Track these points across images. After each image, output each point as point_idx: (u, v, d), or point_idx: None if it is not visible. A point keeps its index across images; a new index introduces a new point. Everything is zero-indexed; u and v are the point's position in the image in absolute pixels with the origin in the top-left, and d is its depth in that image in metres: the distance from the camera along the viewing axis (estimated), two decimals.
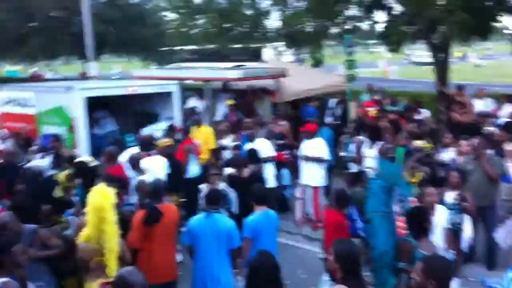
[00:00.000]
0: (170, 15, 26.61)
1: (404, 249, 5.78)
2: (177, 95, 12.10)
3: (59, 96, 10.97)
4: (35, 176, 8.17)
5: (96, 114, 11.75)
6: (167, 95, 11.96)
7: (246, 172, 8.95)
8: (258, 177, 9.00)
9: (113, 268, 5.35)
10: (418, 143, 9.61)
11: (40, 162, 9.12)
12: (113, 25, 26.51)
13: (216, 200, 6.51)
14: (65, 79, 28.29)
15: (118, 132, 12.00)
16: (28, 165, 8.92)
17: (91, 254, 5.34)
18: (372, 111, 12.94)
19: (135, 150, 9.36)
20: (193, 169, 10.34)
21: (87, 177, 7.56)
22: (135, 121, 12.19)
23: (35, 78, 30.24)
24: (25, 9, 25.78)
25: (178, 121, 11.91)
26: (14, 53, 29.27)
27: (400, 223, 7.04)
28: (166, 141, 9.68)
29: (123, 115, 12.76)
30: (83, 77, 24.56)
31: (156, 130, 11.29)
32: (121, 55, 31.94)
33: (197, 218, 6.48)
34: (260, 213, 6.58)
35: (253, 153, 9.85)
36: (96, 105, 11.68)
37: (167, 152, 9.46)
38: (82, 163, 8.32)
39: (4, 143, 10.95)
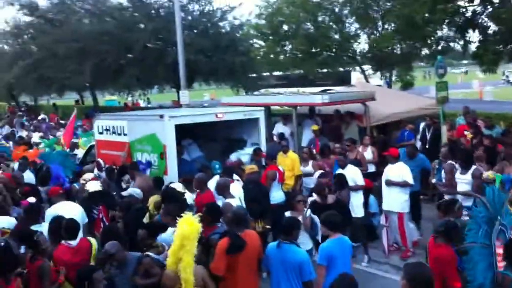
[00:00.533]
0: (259, 42, 27.12)
1: (503, 283, 5.40)
2: (263, 121, 12.16)
3: (150, 124, 11.39)
4: (129, 204, 8.47)
5: (183, 142, 12.01)
6: (254, 121, 12.04)
7: (331, 198, 8.80)
8: (342, 205, 8.80)
9: None
10: None
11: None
12: (205, 54, 27.42)
13: (288, 230, 6.32)
14: (160, 107, 29.52)
15: (204, 158, 12.21)
16: (124, 193, 9.20)
17: (173, 282, 5.43)
18: (468, 134, 12.38)
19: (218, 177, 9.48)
20: (277, 195, 10.31)
21: (175, 204, 7.67)
22: (223, 147, 12.39)
23: (128, 107, 31.83)
24: (124, 41, 27.27)
25: (263, 147, 11.93)
26: (113, 83, 30.96)
27: (499, 255, 6.56)
28: (252, 167, 9.72)
29: (211, 141, 13.04)
30: (176, 105, 25.47)
31: (243, 155, 11.42)
32: (211, 83, 32.89)
33: (270, 247, 6.41)
34: (334, 240, 6.42)
35: (341, 179, 9.67)
36: (185, 132, 12.06)
37: (252, 178, 9.48)
38: (172, 189, 8.50)
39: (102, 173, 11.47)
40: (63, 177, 10.77)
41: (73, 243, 6.68)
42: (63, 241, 6.69)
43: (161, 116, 10.99)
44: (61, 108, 37.41)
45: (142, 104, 39.84)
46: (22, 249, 6.50)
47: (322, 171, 10.72)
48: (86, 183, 9.33)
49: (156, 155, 11.05)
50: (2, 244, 6.02)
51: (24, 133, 21.39)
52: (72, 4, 32.87)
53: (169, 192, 8.21)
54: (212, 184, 9.09)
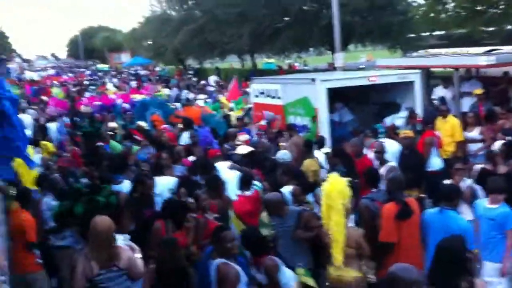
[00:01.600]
0: (418, 0, 25.83)
1: None
2: (419, 85, 11.69)
3: (303, 88, 11.56)
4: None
5: (335, 105, 12.04)
6: (408, 84, 11.64)
7: (502, 168, 7.99)
8: None
9: (338, 259, 5.58)
10: None
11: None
12: (360, 14, 26.81)
13: (450, 196, 6.05)
14: (315, 70, 29.64)
15: (356, 121, 12.13)
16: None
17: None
18: None
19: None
20: (435, 163, 9.88)
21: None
22: (376, 111, 12.20)
23: (282, 71, 32.40)
24: (280, 5, 27.64)
25: (419, 111, 11.52)
26: (270, 46, 31.66)
27: None
28: (407, 132, 9.48)
29: (364, 104, 12.90)
30: (331, 68, 25.41)
31: (397, 119, 11.15)
32: (367, 44, 32.17)
33: (430, 213, 6.20)
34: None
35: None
36: (337, 96, 12.08)
37: (407, 143, 9.27)
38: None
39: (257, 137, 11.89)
40: (211, 138, 11.33)
41: (248, 193, 7.29)
42: (239, 192, 7.30)
43: (313, 80, 11.10)
44: (223, 71, 39.21)
45: (298, 67, 40.26)
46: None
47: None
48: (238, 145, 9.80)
49: (308, 118, 11.24)
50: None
51: (190, 95, 22.81)
52: None
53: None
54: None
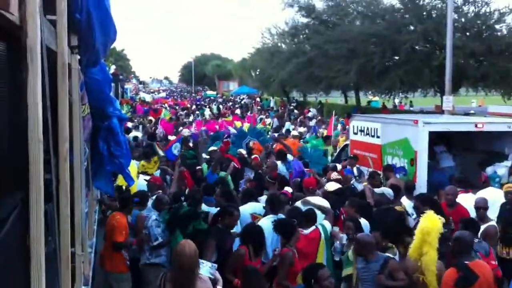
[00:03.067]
0: None
1: None
2: None
3: (404, 129, 11.15)
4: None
5: (435, 148, 11.50)
6: None
7: None
8: None
9: (433, 285, 5.67)
10: None
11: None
12: (475, 58, 25.77)
13: None
14: (422, 111, 28.70)
15: (454, 168, 11.53)
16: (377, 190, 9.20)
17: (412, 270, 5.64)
18: None
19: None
20: None
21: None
22: (480, 159, 11.49)
23: (386, 110, 31.68)
24: (391, 43, 27.25)
25: None
26: (376, 84, 31.23)
27: None
28: (509, 185, 8.77)
29: (468, 151, 12.21)
30: (438, 110, 24.51)
31: (499, 168, 10.50)
32: (479, 89, 30.75)
33: None
34: None
35: None
36: (440, 140, 11.54)
37: (510, 198, 8.55)
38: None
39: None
40: (304, 171, 11.18)
41: (306, 231, 7.02)
42: (299, 229, 7.00)
43: (415, 122, 10.69)
44: (326, 106, 39.15)
45: (405, 107, 39.31)
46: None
47: None
48: (327, 182, 9.57)
49: (406, 161, 10.82)
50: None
51: (291, 127, 22.90)
52: (346, 6, 34.18)
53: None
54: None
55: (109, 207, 8.88)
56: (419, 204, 7.58)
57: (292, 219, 6.92)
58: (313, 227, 7.11)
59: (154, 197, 8.32)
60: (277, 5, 41.29)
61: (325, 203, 7.87)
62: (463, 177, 10.13)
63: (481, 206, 7.71)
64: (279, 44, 43.24)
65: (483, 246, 6.55)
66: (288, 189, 8.84)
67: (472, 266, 5.54)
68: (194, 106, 39.34)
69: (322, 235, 7.10)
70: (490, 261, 6.27)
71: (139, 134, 18.88)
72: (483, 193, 8.59)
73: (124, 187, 9.23)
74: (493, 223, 7.62)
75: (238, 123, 21.06)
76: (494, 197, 8.40)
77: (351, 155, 12.58)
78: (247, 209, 7.89)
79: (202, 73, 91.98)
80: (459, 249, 5.77)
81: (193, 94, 62.76)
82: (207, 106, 39.02)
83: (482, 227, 7.31)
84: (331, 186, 8.85)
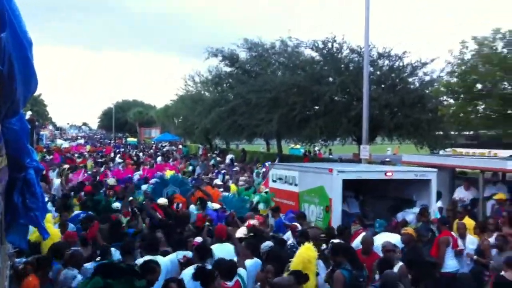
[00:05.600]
0: (448, 100, 25.95)
1: None
2: (435, 183, 11.64)
3: (320, 177, 11.57)
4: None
5: (345, 194, 11.87)
6: (425, 182, 11.63)
7: None
8: None
9: None
10: None
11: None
12: (390, 109, 27.04)
13: None
14: (340, 159, 29.61)
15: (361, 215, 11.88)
16: None
17: None
18: None
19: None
20: (451, 264, 9.57)
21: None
22: (391, 206, 12.03)
23: (307, 158, 32.50)
24: (312, 93, 28.18)
25: (433, 210, 11.45)
26: (297, 132, 31.99)
27: None
28: (407, 229, 9.30)
29: (380, 198, 12.77)
30: (356, 158, 25.39)
31: (408, 214, 11.08)
32: (394, 138, 32.21)
33: None
34: None
35: None
36: (355, 187, 11.99)
37: (406, 239, 9.03)
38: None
39: None
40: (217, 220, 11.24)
41: (230, 283, 6.97)
42: (221, 281, 6.92)
43: (330, 170, 11.09)
44: (249, 153, 39.54)
45: (323, 154, 40.41)
46: None
47: None
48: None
49: (322, 207, 11.17)
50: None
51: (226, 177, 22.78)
52: (268, 57, 35.17)
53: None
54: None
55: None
56: (333, 253, 7.75)
57: (215, 270, 6.89)
58: (235, 279, 7.10)
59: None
60: (201, 54, 41.69)
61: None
62: (372, 223, 10.54)
63: (390, 249, 8.07)
64: (202, 92, 43.60)
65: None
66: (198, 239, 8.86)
67: None
68: (112, 154, 38.53)
69: (242, 285, 7.13)
70: None
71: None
72: (386, 237, 9.03)
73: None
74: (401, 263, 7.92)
75: (170, 172, 20.64)
76: (394, 241, 8.79)
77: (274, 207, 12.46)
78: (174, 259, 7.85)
79: (123, 120, 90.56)
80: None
81: (112, 142, 61.37)
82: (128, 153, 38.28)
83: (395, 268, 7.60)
84: (240, 232, 8.93)
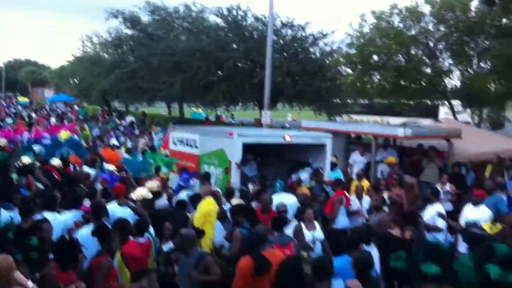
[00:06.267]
0: (347, 70, 26.84)
1: None
2: (330, 147, 12.11)
3: (220, 141, 11.60)
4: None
5: (246, 157, 11.99)
6: (321, 146, 12.05)
7: (408, 234, 8.00)
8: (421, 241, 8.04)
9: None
10: None
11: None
12: (292, 77, 27.51)
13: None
14: (242, 124, 29.88)
15: (258, 178, 12.02)
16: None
17: None
18: None
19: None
20: (343, 221, 10.08)
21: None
22: (289, 168, 12.34)
23: (208, 122, 32.47)
24: (215, 59, 27.99)
25: (327, 172, 11.93)
26: (200, 97, 31.78)
27: None
28: (303, 189, 9.87)
29: (279, 161, 13.08)
30: (258, 123, 25.66)
31: (302, 174, 11.58)
32: (295, 105, 32.90)
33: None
34: None
35: (411, 214, 9.05)
36: (256, 151, 12.20)
37: (302, 199, 9.45)
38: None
39: None
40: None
41: (142, 240, 7.01)
42: (132, 238, 6.96)
43: (230, 134, 11.17)
44: (149, 117, 38.76)
45: (225, 119, 40.49)
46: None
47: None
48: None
49: (222, 169, 11.27)
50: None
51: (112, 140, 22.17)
52: (172, 21, 34.33)
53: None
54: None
55: None
56: (234, 213, 7.98)
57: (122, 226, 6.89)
58: (147, 236, 7.11)
59: None
60: (101, 16, 39.90)
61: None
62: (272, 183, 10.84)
63: (282, 210, 8.37)
64: (101, 54, 41.95)
65: (284, 238, 7.21)
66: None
67: (265, 254, 6.18)
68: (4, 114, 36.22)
69: (152, 242, 7.18)
70: (285, 251, 6.90)
71: None
72: (282, 197, 9.41)
73: None
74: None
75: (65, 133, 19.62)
76: (291, 201, 9.23)
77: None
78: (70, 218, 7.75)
79: (14, 79, 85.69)
80: (256, 240, 6.40)
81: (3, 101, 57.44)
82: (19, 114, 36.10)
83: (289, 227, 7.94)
84: (139, 193, 8.78)
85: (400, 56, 23.21)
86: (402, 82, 22.92)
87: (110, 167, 12.42)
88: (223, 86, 28.28)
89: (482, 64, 21.72)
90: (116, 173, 11.90)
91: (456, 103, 24.65)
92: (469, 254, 5.41)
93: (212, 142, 11.83)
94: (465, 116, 27.05)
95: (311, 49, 29.82)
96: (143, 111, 40.93)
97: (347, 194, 10.52)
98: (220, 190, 9.76)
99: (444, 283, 4.90)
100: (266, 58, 20.59)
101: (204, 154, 11.98)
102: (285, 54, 28.88)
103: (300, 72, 27.67)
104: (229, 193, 9.63)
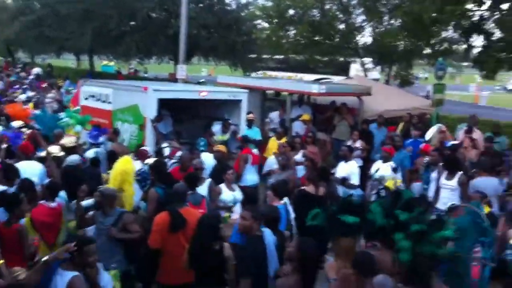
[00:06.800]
0: (263, 24, 26.74)
1: None
2: (245, 103, 12.10)
3: (134, 95, 11.26)
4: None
5: (162, 113, 11.71)
6: (236, 102, 12.03)
7: (322, 190, 8.27)
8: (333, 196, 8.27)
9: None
10: None
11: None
12: (207, 29, 27.02)
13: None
14: (156, 79, 29.20)
15: (173, 134, 11.83)
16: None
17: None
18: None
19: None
20: (250, 178, 10.23)
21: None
22: (204, 124, 12.29)
23: (121, 76, 31.43)
24: (128, 8, 26.88)
25: (242, 128, 11.98)
26: (112, 49, 30.58)
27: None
28: (220, 147, 9.69)
29: (194, 117, 12.99)
30: (172, 78, 25.19)
31: (214, 126, 11.72)
32: (210, 59, 32.57)
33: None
34: None
35: (324, 170, 9.33)
36: (171, 106, 11.97)
37: (217, 157, 9.45)
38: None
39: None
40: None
41: (53, 204, 6.72)
42: (42, 202, 6.69)
43: (145, 89, 10.87)
44: (57, 69, 36.89)
45: (138, 73, 39.40)
46: None
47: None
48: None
49: (136, 126, 11.02)
50: None
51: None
52: None
53: None
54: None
55: None
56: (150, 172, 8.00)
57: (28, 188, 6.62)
58: (58, 200, 6.85)
59: None
60: None
61: None
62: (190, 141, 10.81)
63: (198, 167, 8.36)
64: (3, 0, 39.20)
65: (196, 197, 7.30)
66: None
67: (182, 212, 6.27)
68: None
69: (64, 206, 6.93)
70: (199, 209, 6.99)
71: None
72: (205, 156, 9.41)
73: None
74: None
75: None
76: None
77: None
78: None
79: None
80: (173, 198, 6.50)
81: None
82: None
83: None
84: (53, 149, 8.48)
85: (315, 11, 23.37)
86: (317, 38, 23.17)
87: (17, 123, 11.73)
88: (136, 37, 27.30)
89: (393, 21, 22.29)
90: (23, 130, 11.27)
91: (368, 60, 25.32)
92: (378, 201, 5.77)
93: (126, 97, 11.46)
94: (375, 73, 27.93)
95: (227, 1, 29.39)
96: (49, 63, 38.80)
97: (254, 151, 10.61)
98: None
99: (358, 234, 5.25)
100: (181, 8, 20.06)
101: (117, 110, 11.60)
102: (200, 5, 28.24)
103: (216, 25, 27.21)
104: (141, 154, 9.40)
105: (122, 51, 29.11)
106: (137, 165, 8.47)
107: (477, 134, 12.02)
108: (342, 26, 23.46)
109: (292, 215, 7.14)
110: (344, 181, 9.80)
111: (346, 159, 10.23)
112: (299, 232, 7.00)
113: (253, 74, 28.38)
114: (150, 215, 6.86)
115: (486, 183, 8.90)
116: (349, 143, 11.95)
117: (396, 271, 4.84)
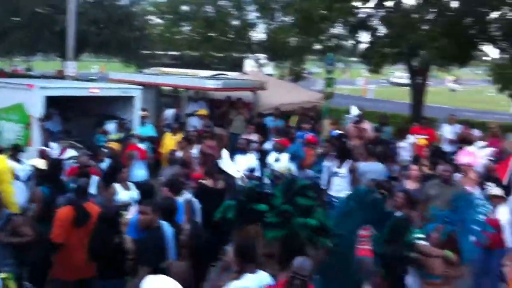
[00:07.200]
0: (156, 20, 26.29)
1: None
2: (139, 100, 11.96)
3: (18, 94, 10.75)
4: None
5: (49, 112, 11.21)
6: (129, 99, 11.84)
7: (221, 183, 8.43)
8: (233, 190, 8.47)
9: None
10: None
11: None
12: (97, 25, 26.11)
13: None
14: (43, 76, 27.84)
15: (64, 133, 11.55)
16: None
17: None
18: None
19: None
20: (139, 174, 10.04)
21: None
22: (95, 122, 11.94)
23: (3, 74, 29.64)
24: (11, 4, 25.33)
25: (136, 125, 11.81)
26: None
27: None
28: (113, 144, 9.70)
29: (84, 115, 12.57)
30: (60, 75, 24.13)
31: (109, 125, 11.51)
32: (101, 56, 31.53)
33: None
34: None
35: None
36: (58, 105, 11.48)
37: (112, 154, 9.45)
38: None
39: None
40: None
41: None
42: None
43: (30, 86, 10.38)
44: None
45: (22, 71, 37.18)
46: None
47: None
48: None
49: (23, 125, 10.55)
50: None
51: None
52: None
53: None
54: None
55: None
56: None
57: None
58: None
59: None
60: None
61: None
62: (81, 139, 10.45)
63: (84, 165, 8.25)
64: None
65: None
66: None
67: (86, 206, 6.28)
68: None
69: None
70: None
71: None
72: None
73: None
74: None
75: None
76: None
77: None
78: None
79: None
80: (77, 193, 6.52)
81: None
82: None
83: None
84: None
85: (209, 7, 23.39)
86: (211, 34, 23.20)
87: None
88: (20, 33, 25.79)
89: (285, 18, 22.80)
90: None
91: (262, 56, 25.72)
92: (277, 188, 6.05)
93: (9, 96, 10.89)
94: (270, 69, 28.43)
95: None
96: None
97: (141, 147, 10.48)
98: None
99: (263, 221, 5.46)
100: (69, 4, 19.21)
101: (1, 110, 10.96)
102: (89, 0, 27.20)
103: (106, 20, 26.26)
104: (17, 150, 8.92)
105: (5, 48, 27.40)
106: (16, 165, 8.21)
107: (366, 125, 12.62)
108: (236, 22, 23.64)
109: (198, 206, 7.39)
110: (251, 172, 9.93)
111: (245, 151, 10.33)
112: (205, 225, 7.05)
113: (147, 71, 27.79)
114: (38, 216, 6.76)
115: (370, 167, 9.38)
116: (244, 136, 12.09)
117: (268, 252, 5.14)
